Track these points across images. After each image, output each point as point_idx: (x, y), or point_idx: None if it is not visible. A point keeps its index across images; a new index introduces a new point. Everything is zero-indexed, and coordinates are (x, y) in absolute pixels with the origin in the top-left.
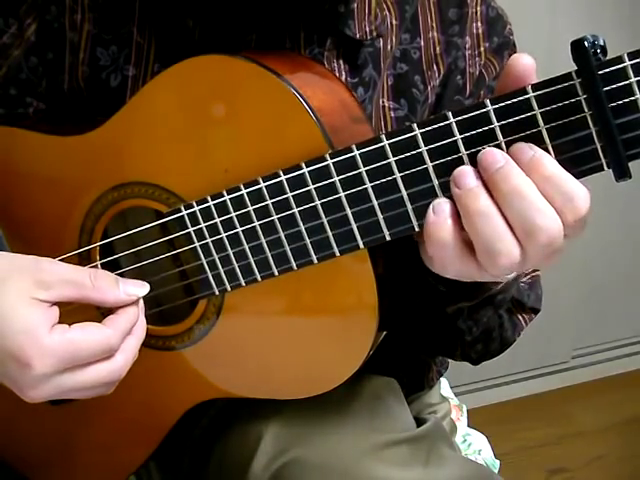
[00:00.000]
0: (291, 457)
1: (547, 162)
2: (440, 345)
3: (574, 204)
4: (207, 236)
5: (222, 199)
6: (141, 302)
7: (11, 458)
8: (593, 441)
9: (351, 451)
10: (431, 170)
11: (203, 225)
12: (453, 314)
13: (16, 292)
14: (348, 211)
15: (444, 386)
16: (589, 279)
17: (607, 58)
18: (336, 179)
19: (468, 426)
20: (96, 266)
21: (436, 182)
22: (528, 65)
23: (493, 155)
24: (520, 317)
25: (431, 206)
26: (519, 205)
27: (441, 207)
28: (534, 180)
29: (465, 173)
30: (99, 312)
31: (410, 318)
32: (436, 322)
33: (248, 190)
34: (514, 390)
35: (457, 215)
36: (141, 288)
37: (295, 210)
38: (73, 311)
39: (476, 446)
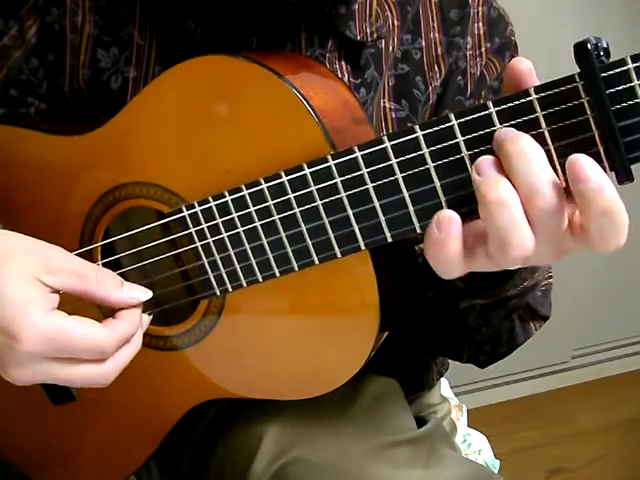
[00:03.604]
0: (292, 457)
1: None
2: (448, 345)
3: (623, 236)
4: (208, 236)
5: (224, 200)
6: (143, 315)
7: (14, 457)
8: (593, 441)
9: (352, 452)
10: (433, 172)
11: (204, 225)
12: (465, 310)
13: (21, 268)
14: (350, 212)
15: (444, 386)
16: (589, 279)
17: (610, 60)
18: (338, 180)
19: (468, 426)
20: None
21: (438, 183)
22: (524, 68)
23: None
24: (532, 324)
25: (433, 222)
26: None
27: (445, 223)
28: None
29: (488, 162)
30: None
31: (417, 317)
32: (446, 318)
33: (250, 191)
34: (514, 390)
35: (459, 233)
36: (144, 293)
37: (296, 211)
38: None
39: (476, 446)
